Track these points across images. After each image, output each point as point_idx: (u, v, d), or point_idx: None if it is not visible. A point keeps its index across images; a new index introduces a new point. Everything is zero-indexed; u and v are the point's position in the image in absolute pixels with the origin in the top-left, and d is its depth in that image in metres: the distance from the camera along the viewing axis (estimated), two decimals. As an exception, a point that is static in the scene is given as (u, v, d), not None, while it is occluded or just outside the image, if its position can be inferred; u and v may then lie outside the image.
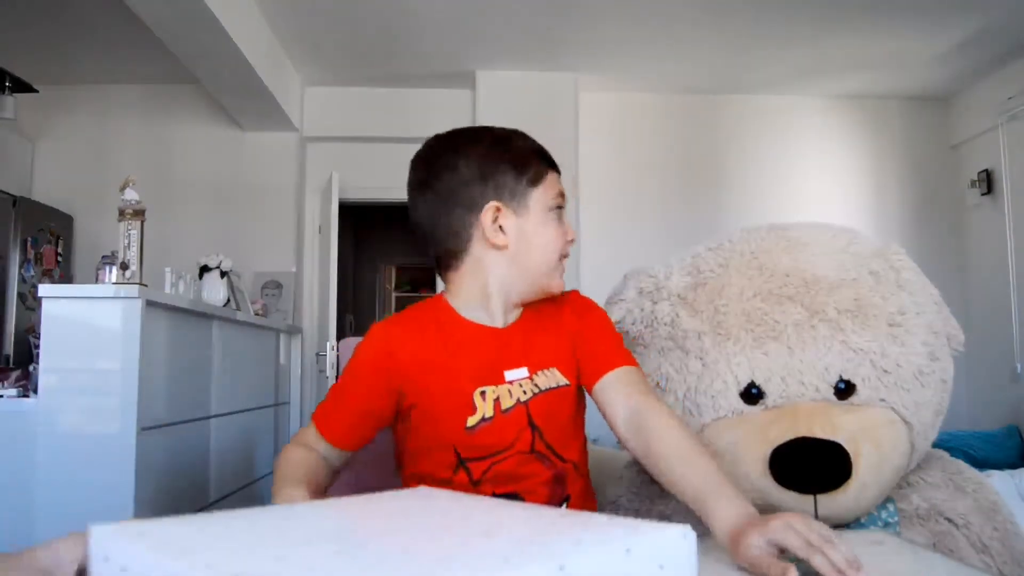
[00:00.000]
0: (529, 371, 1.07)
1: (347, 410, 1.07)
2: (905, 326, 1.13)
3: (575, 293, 1.17)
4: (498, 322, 1.09)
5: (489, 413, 1.02)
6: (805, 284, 1.15)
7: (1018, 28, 3.64)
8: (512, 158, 1.08)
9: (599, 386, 1.06)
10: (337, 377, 1.11)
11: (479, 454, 1.03)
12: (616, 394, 1.03)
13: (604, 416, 1.05)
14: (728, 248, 1.24)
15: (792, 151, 4.50)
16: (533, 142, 1.13)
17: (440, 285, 4.22)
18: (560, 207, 1.09)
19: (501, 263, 1.07)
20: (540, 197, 1.07)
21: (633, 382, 1.05)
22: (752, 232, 1.28)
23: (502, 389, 1.04)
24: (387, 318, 1.12)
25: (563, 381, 1.07)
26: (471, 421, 1.02)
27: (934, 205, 4.51)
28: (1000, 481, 2.99)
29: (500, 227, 1.05)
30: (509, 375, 1.05)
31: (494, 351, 1.06)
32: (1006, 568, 1.13)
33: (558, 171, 1.13)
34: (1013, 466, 3.44)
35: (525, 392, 1.05)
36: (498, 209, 1.05)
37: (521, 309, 1.11)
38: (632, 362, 1.08)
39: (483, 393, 1.03)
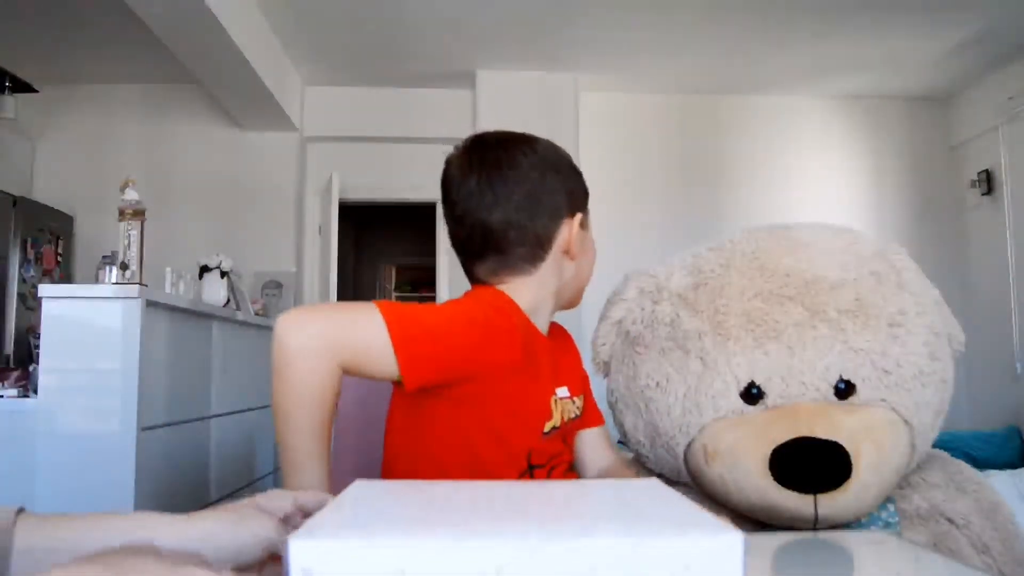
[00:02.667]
0: (570, 391, 1.10)
1: (443, 361, 0.90)
2: (906, 326, 1.13)
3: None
4: (543, 331, 1.08)
5: (559, 423, 1.04)
6: (806, 284, 1.15)
7: (1018, 28, 3.64)
8: (575, 171, 1.12)
9: (584, 433, 1.18)
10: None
11: (543, 460, 1.02)
12: (595, 450, 1.18)
13: (576, 459, 1.18)
14: (729, 248, 1.24)
15: (792, 151, 4.50)
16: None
17: (441, 287, 4.15)
18: None
19: (568, 272, 1.08)
20: (587, 220, 1.12)
21: (607, 443, 1.20)
22: (753, 232, 1.28)
23: (559, 402, 1.06)
24: (502, 304, 1.01)
25: (578, 415, 1.13)
26: (547, 427, 1.02)
27: (934, 205, 4.51)
28: (1001, 481, 2.99)
29: (573, 240, 1.07)
30: (559, 391, 1.07)
31: (550, 361, 1.07)
32: (1007, 568, 1.13)
33: None
34: (1014, 466, 3.45)
35: (568, 412, 1.08)
36: (581, 222, 1.08)
37: None
38: (602, 420, 1.22)
39: (556, 402, 1.04)
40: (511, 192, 1.03)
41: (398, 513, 0.57)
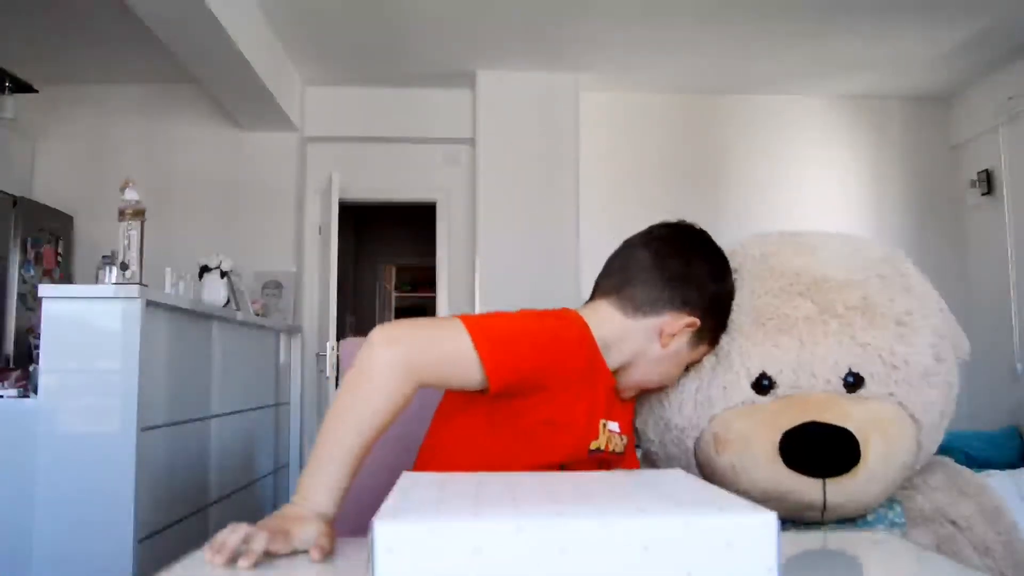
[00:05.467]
0: (620, 428, 1.13)
1: (526, 363, 0.97)
2: (912, 326, 1.16)
3: None
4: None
5: (603, 445, 1.07)
6: (815, 282, 1.18)
7: (1018, 28, 3.64)
8: (727, 316, 1.18)
9: None
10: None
11: None
12: None
13: None
14: (741, 253, 1.27)
15: (792, 151, 4.50)
16: None
17: (441, 287, 4.16)
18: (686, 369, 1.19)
19: (648, 351, 1.12)
20: (700, 353, 1.17)
21: None
22: (762, 237, 1.32)
23: (609, 430, 1.10)
24: (574, 317, 1.08)
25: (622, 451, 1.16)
26: (594, 444, 1.06)
27: (934, 205, 4.51)
28: (1000, 482, 2.99)
29: (673, 334, 1.11)
30: (609, 424, 1.11)
31: (606, 393, 1.11)
32: (1008, 572, 1.14)
33: None
34: (1013, 466, 3.44)
35: (612, 445, 1.11)
36: (692, 326, 1.12)
37: None
38: (638, 465, 1.25)
39: (604, 425, 1.08)
40: (674, 260, 1.13)
41: (462, 499, 0.60)
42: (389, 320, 7.96)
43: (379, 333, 0.90)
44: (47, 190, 4.06)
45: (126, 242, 2.23)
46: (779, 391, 1.14)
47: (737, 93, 4.50)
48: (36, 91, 3.79)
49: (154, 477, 2.17)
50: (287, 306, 4.15)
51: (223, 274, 3.36)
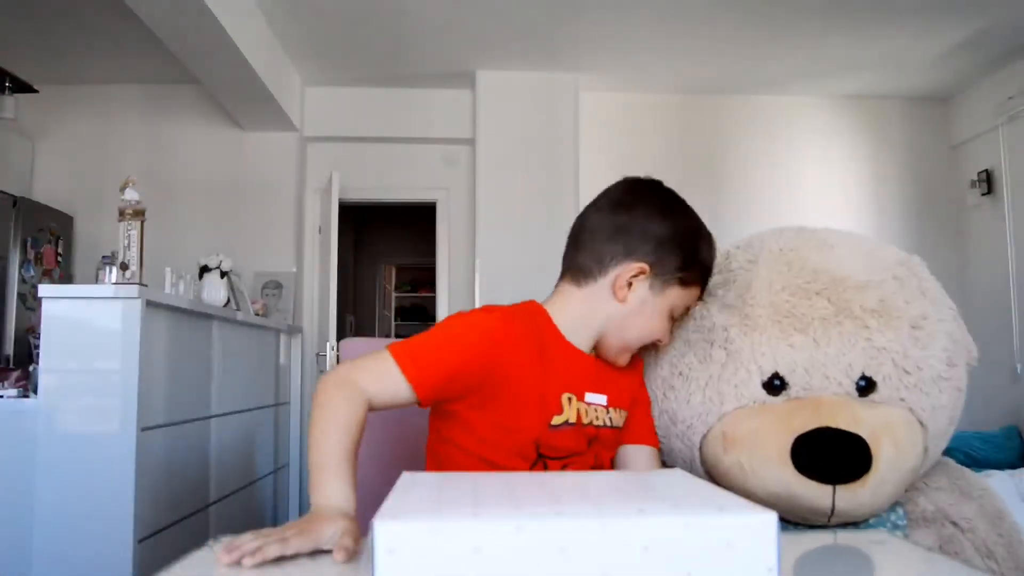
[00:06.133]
0: (608, 401, 1.14)
1: (443, 365, 1.02)
2: (926, 330, 1.16)
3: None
4: (584, 349, 1.15)
5: (573, 419, 1.09)
6: (833, 281, 1.18)
7: (1018, 28, 3.64)
8: (688, 253, 1.13)
9: (630, 448, 1.21)
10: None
11: (557, 453, 1.08)
12: (635, 467, 1.21)
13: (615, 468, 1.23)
14: (758, 246, 1.27)
15: (792, 151, 4.50)
16: (713, 254, 1.19)
17: (441, 287, 4.16)
18: (674, 318, 1.17)
19: (612, 312, 1.12)
20: (676, 297, 1.13)
21: (651, 465, 1.22)
22: (781, 231, 1.32)
23: (583, 405, 1.11)
24: (498, 309, 1.10)
25: (611, 425, 1.17)
26: (556, 420, 1.07)
27: (934, 205, 4.51)
28: (1000, 481, 2.99)
29: (630, 284, 1.10)
30: (589, 397, 1.12)
31: (580, 370, 1.12)
32: (1009, 574, 1.14)
33: (703, 292, 1.21)
34: (1013, 466, 3.45)
35: (599, 419, 1.12)
36: (642, 271, 1.10)
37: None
38: (657, 444, 1.24)
39: (570, 399, 1.09)
40: (616, 213, 1.13)
41: (462, 499, 0.60)
42: (389, 320, 7.94)
43: (328, 372, 1.04)
44: (47, 190, 4.06)
45: (126, 242, 2.23)
46: (791, 392, 1.13)
47: (737, 93, 4.50)
48: (36, 91, 3.79)
49: (154, 477, 2.17)
50: (287, 306, 4.14)
51: (223, 274, 3.36)
